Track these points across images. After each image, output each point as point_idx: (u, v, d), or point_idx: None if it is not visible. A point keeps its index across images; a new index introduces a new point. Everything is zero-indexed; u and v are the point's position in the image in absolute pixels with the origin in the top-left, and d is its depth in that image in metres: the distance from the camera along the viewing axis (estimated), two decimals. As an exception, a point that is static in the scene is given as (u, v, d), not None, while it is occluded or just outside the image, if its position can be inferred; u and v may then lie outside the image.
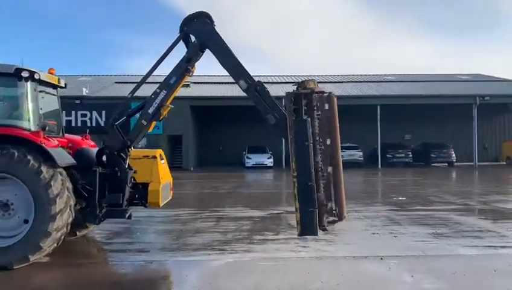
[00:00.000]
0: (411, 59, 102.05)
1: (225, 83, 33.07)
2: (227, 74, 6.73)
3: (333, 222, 5.83)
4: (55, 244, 6.14)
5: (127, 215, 6.77)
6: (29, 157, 5.92)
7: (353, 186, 18.45)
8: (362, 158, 31.00)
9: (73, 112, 29.04)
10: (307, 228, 5.61)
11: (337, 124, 6.01)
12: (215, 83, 33.64)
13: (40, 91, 6.84)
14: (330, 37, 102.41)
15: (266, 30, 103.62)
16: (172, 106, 7.57)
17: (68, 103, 28.82)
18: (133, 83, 35.84)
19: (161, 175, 7.31)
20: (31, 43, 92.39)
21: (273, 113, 6.28)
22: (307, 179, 5.57)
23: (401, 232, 8.15)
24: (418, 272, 5.61)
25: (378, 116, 30.37)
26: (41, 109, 6.80)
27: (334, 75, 41.68)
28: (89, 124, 29.21)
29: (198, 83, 33.21)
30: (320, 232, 5.73)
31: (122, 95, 31.24)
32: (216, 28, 6.72)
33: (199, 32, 6.76)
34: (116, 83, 34.34)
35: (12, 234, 6.05)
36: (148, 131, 7.32)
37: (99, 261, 6.46)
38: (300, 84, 6.00)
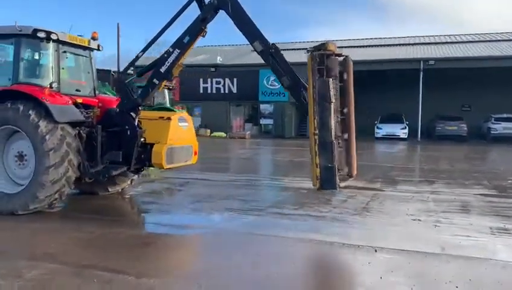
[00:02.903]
0: None
1: (355, 46, 31.01)
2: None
3: (344, 179, 6.06)
4: (56, 196, 6.51)
5: (113, 173, 6.81)
6: (31, 112, 6.34)
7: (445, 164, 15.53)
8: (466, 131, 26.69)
9: (209, 80, 30.89)
10: (327, 182, 5.73)
11: (352, 88, 6.04)
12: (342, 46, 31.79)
13: (64, 52, 7.23)
14: None
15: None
16: (184, 66, 7.27)
17: (205, 71, 30.87)
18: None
19: (171, 137, 7.12)
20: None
21: (286, 76, 6.38)
22: (327, 136, 5.68)
23: (452, 223, 6.39)
24: (399, 275, 4.26)
25: None
26: (63, 68, 7.20)
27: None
28: (222, 91, 30.85)
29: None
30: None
31: (254, 63, 32.34)
32: None
33: None
34: (252, 51, 35.16)
35: (25, 183, 6.63)
36: (158, 90, 7.23)
37: (89, 218, 6.50)
38: (321, 46, 5.92)
